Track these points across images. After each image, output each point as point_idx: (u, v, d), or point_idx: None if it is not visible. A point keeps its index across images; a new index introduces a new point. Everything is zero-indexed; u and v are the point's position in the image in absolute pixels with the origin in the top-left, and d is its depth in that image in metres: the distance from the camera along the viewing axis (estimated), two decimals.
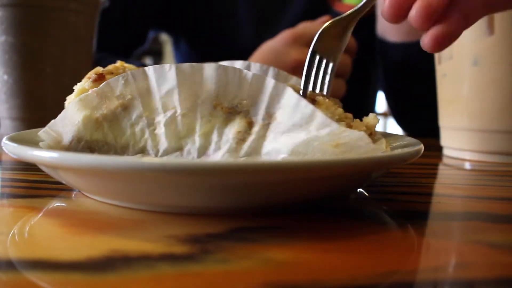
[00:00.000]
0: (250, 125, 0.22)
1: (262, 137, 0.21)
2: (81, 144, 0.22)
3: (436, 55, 0.42)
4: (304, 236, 0.17)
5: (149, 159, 0.17)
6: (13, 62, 0.42)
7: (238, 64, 0.31)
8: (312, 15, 0.66)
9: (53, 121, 0.23)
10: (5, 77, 0.43)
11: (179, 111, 0.22)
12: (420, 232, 0.19)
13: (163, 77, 0.22)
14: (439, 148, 0.44)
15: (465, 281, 0.14)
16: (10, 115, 0.44)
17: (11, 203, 0.22)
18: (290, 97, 0.21)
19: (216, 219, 0.19)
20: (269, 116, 0.22)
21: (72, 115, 0.23)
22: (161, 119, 0.22)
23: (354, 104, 0.59)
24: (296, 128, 0.21)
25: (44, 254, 0.15)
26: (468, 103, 0.38)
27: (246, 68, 0.31)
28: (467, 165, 0.37)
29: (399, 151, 0.21)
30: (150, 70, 0.22)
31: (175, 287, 0.13)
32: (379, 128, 0.26)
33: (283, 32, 0.57)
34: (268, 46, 0.58)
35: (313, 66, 0.28)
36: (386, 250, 0.17)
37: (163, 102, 0.22)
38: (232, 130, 0.22)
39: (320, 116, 0.20)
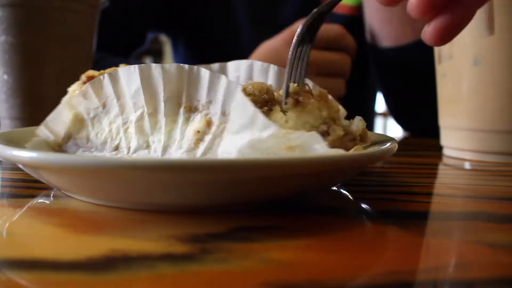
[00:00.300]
0: (209, 124, 0.22)
1: (218, 137, 0.22)
2: (70, 141, 0.25)
3: (436, 55, 0.42)
4: (304, 236, 0.17)
5: (120, 157, 0.17)
6: (13, 62, 0.42)
7: (243, 63, 0.31)
8: (306, 12, 0.66)
9: (45, 120, 0.25)
10: (5, 76, 0.43)
11: (146, 110, 0.23)
12: (420, 232, 0.19)
13: (131, 78, 0.23)
14: (439, 148, 0.44)
15: (465, 281, 0.14)
16: (10, 115, 0.44)
17: (10, 202, 0.22)
18: (239, 96, 0.21)
19: (216, 219, 0.19)
20: (224, 115, 0.22)
21: (63, 115, 0.25)
22: (133, 118, 0.23)
23: (353, 104, 0.59)
24: (243, 129, 0.21)
25: (44, 254, 0.15)
26: (468, 103, 0.38)
27: (248, 67, 0.31)
28: (467, 165, 0.37)
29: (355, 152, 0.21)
30: (120, 71, 0.23)
31: (175, 287, 0.13)
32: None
33: (283, 32, 0.57)
34: (268, 46, 0.58)
35: (297, 57, 0.27)
36: (386, 250, 0.17)
37: (133, 102, 0.23)
38: (192, 129, 0.22)
39: (260, 118, 0.20)
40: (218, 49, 0.76)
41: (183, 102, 0.23)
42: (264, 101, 0.22)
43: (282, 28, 0.60)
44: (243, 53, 0.63)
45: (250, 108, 0.20)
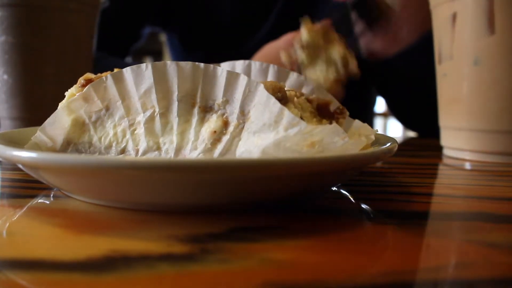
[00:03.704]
0: (226, 124, 0.21)
1: (236, 137, 0.21)
2: (70, 147, 0.23)
3: (437, 55, 0.42)
4: (304, 236, 0.17)
5: (129, 158, 0.17)
6: (13, 62, 0.42)
7: (239, 64, 0.31)
8: (295, 6, 0.66)
9: (43, 125, 0.24)
10: (5, 76, 0.43)
11: (157, 110, 0.22)
12: (420, 232, 0.19)
13: (141, 77, 0.22)
14: (439, 148, 0.44)
15: (465, 281, 0.14)
16: (10, 115, 0.44)
17: (10, 202, 0.22)
18: (261, 94, 0.21)
19: (216, 219, 0.19)
20: (243, 115, 0.21)
21: (61, 119, 0.23)
22: (141, 119, 0.22)
23: (353, 104, 0.59)
24: (266, 128, 0.20)
25: (44, 254, 0.15)
26: (468, 103, 0.38)
27: (246, 67, 0.31)
28: (467, 165, 0.37)
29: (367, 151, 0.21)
30: (127, 71, 0.22)
31: (175, 287, 0.13)
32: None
33: (287, 34, 0.57)
34: (272, 47, 0.58)
35: None
36: (386, 250, 0.17)
37: (142, 102, 0.22)
38: (208, 130, 0.22)
39: (288, 114, 0.20)
40: (211, 46, 0.77)
41: (197, 101, 0.22)
42: (278, 99, 0.21)
43: (269, 25, 0.60)
44: (238, 51, 0.63)
45: (276, 105, 0.20)
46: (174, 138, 0.22)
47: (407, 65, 0.59)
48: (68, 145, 0.23)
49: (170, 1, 0.77)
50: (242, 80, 0.21)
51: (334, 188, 0.25)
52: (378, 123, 2.74)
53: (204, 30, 0.77)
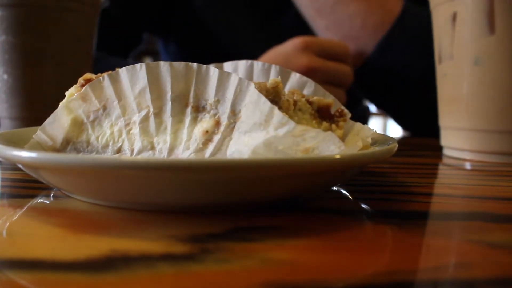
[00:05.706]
0: (218, 124, 0.22)
1: (227, 137, 0.21)
2: (69, 146, 0.23)
3: (437, 55, 0.42)
4: (304, 236, 0.17)
5: (126, 157, 0.17)
6: (13, 61, 0.42)
7: (242, 63, 0.31)
8: (304, 24, 0.66)
9: (43, 124, 0.24)
10: (5, 76, 0.43)
11: (151, 110, 0.22)
12: (420, 232, 0.19)
13: (136, 77, 0.22)
14: (439, 148, 0.44)
15: (465, 281, 0.14)
16: (10, 115, 0.44)
17: (10, 202, 0.22)
18: (252, 93, 0.21)
19: (216, 219, 0.19)
20: (234, 115, 0.21)
21: (61, 119, 0.24)
22: (136, 118, 0.23)
23: (349, 102, 0.60)
24: (256, 127, 0.20)
25: (44, 254, 0.15)
26: (468, 103, 0.38)
27: (249, 67, 0.31)
28: (467, 165, 0.37)
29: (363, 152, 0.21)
30: (123, 71, 0.22)
31: (175, 287, 0.13)
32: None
33: (294, 38, 0.57)
34: (278, 51, 0.57)
35: None
36: (386, 250, 0.17)
37: (137, 102, 0.23)
38: (201, 129, 0.22)
39: (277, 114, 0.20)
40: (214, 50, 0.77)
41: (190, 101, 0.22)
42: (271, 101, 0.21)
43: (278, 36, 0.60)
44: (241, 54, 0.63)
45: (266, 104, 0.20)
46: (168, 138, 0.22)
47: (392, 64, 0.59)
48: (67, 144, 0.23)
49: (173, 7, 0.77)
50: (233, 80, 0.21)
51: (334, 188, 0.25)
52: (378, 123, 2.73)
53: (207, 36, 0.77)
